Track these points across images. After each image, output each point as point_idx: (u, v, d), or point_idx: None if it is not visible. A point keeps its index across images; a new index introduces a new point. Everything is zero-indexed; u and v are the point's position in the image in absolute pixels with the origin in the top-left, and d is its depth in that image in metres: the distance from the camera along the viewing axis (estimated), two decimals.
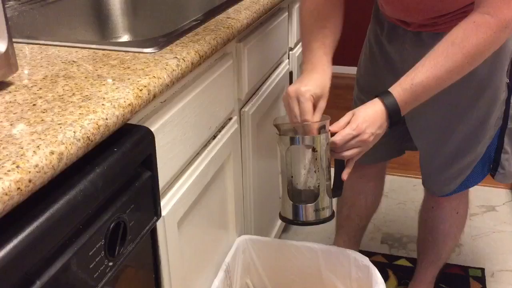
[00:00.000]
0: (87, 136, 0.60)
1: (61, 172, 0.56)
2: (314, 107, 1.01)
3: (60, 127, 0.59)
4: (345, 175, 1.01)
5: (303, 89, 0.99)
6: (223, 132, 1.11)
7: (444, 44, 0.93)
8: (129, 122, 0.72)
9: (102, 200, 0.63)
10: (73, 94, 0.69)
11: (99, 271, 0.63)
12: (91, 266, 0.61)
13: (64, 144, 0.57)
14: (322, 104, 1.02)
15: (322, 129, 0.98)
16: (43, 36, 1.00)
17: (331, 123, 1.00)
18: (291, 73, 1.60)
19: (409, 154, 1.48)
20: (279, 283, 1.30)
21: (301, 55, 1.61)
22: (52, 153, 0.55)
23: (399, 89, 0.96)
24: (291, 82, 1.62)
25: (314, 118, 1.00)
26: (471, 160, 1.25)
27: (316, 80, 1.02)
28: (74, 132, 0.59)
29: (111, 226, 0.65)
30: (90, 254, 0.61)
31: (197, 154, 1.00)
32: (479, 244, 1.86)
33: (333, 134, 0.97)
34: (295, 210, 1.02)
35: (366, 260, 1.19)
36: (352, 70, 3.15)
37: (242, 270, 1.25)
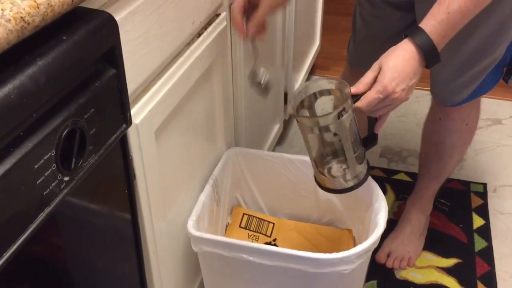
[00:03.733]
0: (21, 17, 0.46)
1: None
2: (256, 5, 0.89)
3: None
4: (378, 128, 0.92)
5: None
6: (209, 29, 0.96)
7: None
8: (84, 5, 0.57)
9: (48, 102, 0.50)
10: None
11: (51, 187, 0.52)
12: (38, 181, 0.50)
13: None
14: (258, 14, 0.91)
15: (342, 111, 0.84)
16: None
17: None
18: None
19: None
20: (271, 198, 1.22)
21: None
22: None
23: (434, 23, 0.81)
24: None
25: (254, 15, 0.90)
26: (488, 64, 1.12)
27: None
28: (1, 10, 0.45)
29: (63, 134, 0.52)
30: (35, 167, 0.49)
31: (178, 53, 0.86)
32: (482, 158, 1.78)
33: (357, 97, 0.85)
34: (327, 180, 0.95)
35: None
36: None
37: (231, 184, 1.16)
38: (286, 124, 1.87)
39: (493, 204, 1.58)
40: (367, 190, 1.07)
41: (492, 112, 1.97)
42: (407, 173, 1.69)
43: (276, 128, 1.61)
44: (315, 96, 0.93)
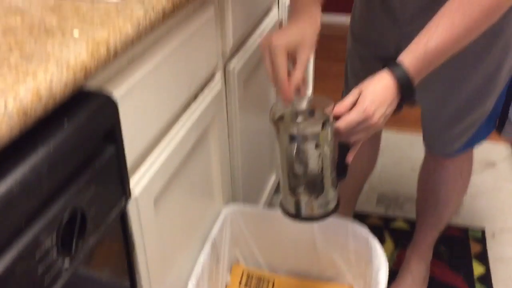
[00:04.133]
0: (23, 110, 0.46)
1: None
2: (295, 61, 0.88)
3: None
4: (350, 157, 0.90)
5: (275, 41, 0.86)
6: (205, 92, 0.98)
7: (458, 0, 0.80)
8: (85, 88, 0.58)
9: (49, 190, 0.50)
10: (11, 52, 0.55)
11: (53, 272, 0.51)
12: (40, 270, 0.49)
13: None
14: (303, 56, 0.88)
15: (325, 122, 0.84)
16: None
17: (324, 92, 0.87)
18: (281, 23, 1.45)
19: (404, 108, 1.37)
20: (270, 255, 1.21)
21: None
22: None
23: (411, 58, 0.83)
24: None
25: (294, 75, 0.88)
26: (479, 116, 1.14)
27: (295, 30, 0.88)
28: (5, 104, 0.45)
29: (64, 218, 0.52)
30: (37, 256, 0.49)
31: (175, 119, 0.87)
32: (478, 202, 1.78)
33: (337, 118, 0.85)
34: (297, 206, 0.91)
35: (364, 230, 1.09)
36: (343, 19, 2.98)
37: (231, 242, 1.15)
38: None
39: (493, 250, 1.58)
40: (366, 246, 1.07)
41: (486, 154, 1.99)
42: (405, 220, 1.69)
43: (273, 178, 1.61)
44: (295, 114, 0.92)
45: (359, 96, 0.85)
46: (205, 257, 1.02)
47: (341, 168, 0.92)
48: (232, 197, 1.21)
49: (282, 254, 1.20)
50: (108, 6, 0.70)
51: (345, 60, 1.31)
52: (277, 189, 1.78)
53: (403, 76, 0.83)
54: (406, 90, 0.84)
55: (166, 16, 0.72)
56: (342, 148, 0.91)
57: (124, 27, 0.63)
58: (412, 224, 1.56)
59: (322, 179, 0.88)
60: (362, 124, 0.84)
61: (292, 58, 0.89)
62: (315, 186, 0.89)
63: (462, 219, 1.69)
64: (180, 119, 0.88)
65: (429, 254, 1.44)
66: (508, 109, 1.17)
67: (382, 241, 1.60)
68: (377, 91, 0.84)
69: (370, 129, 0.86)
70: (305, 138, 0.86)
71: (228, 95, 1.09)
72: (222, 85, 1.04)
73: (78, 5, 0.69)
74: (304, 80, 0.93)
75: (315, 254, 1.17)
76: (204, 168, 1.04)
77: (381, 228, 1.65)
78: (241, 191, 1.25)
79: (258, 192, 1.46)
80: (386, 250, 1.55)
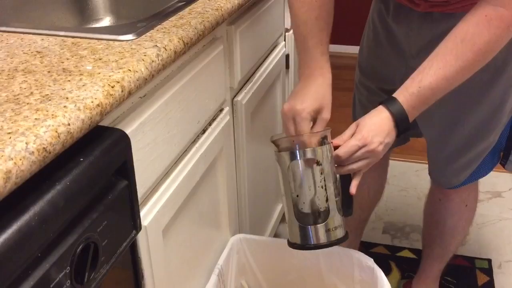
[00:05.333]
0: (44, 148, 0.50)
1: (10, 193, 0.46)
2: (314, 121, 0.93)
3: (10, 138, 0.49)
4: (353, 188, 0.91)
5: (299, 107, 0.91)
6: (213, 125, 1.01)
7: (453, 41, 0.84)
8: (100, 124, 0.62)
9: (65, 222, 0.53)
10: (31, 93, 0.58)
11: None
12: None
13: (13, 159, 0.47)
14: (325, 116, 0.94)
15: (324, 140, 0.89)
16: (9, 21, 0.89)
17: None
18: (287, 56, 1.49)
19: (411, 139, 1.39)
20: (276, 284, 1.22)
21: None
22: None
23: (406, 94, 0.87)
24: (287, 66, 1.51)
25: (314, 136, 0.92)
26: (483, 150, 1.16)
27: (314, 93, 0.93)
28: (26, 143, 0.49)
29: (78, 250, 0.55)
30: (52, 286, 0.51)
31: (184, 152, 0.90)
32: (485, 233, 1.78)
33: (337, 148, 0.89)
34: (303, 233, 0.91)
35: (370, 261, 1.10)
36: (351, 49, 3.04)
37: (237, 271, 1.16)
38: None
39: (499, 281, 1.57)
40: (371, 276, 1.08)
41: (491, 184, 2.00)
42: (411, 249, 1.69)
43: (279, 208, 1.63)
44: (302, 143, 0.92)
45: (356, 128, 0.89)
46: (212, 286, 1.04)
47: (346, 202, 0.93)
48: (239, 227, 1.23)
49: (288, 284, 1.21)
50: (122, 44, 0.74)
51: (353, 91, 1.34)
52: (282, 219, 1.79)
53: (398, 110, 0.87)
54: (402, 124, 0.88)
55: (177, 55, 0.76)
56: (345, 180, 0.92)
57: (137, 67, 0.66)
58: (418, 253, 1.56)
59: (326, 201, 0.89)
60: (361, 150, 0.87)
61: (312, 119, 0.93)
62: (320, 209, 0.89)
63: (468, 249, 1.70)
64: (189, 151, 0.91)
65: (435, 285, 1.44)
66: None
67: (388, 270, 1.60)
68: (373, 122, 0.88)
69: (370, 157, 0.88)
70: (304, 154, 0.88)
71: (236, 127, 1.12)
72: (230, 117, 1.07)
73: (94, 45, 0.73)
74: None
75: (320, 284, 1.18)
76: (212, 199, 1.06)
77: (387, 257, 1.65)
78: (247, 221, 1.27)
79: (264, 222, 1.48)
80: (392, 280, 1.56)
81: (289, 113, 0.92)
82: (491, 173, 2.01)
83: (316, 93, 0.93)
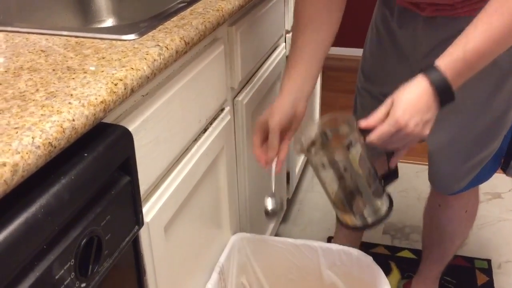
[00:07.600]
0: (49, 142, 0.51)
1: (16, 186, 0.48)
2: (284, 134, 0.96)
3: (16, 132, 0.50)
4: (393, 163, 0.90)
5: (270, 122, 0.93)
6: (214, 124, 1.02)
7: (495, 2, 0.79)
8: (103, 120, 0.63)
9: (69, 215, 0.54)
10: (37, 90, 0.60)
11: None
12: None
13: (19, 153, 0.48)
14: (294, 126, 0.96)
15: (350, 144, 0.87)
16: (14, 22, 0.90)
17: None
18: (287, 57, 1.50)
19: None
20: (276, 283, 1.23)
21: None
22: (4, 164, 0.46)
23: (449, 60, 0.80)
24: None
25: (281, 151, 0.96)
26: (486, 156, 1.14)
27: (286, 103, 0.94)
28: (32, 138, 0.50)
29: (82, 243, 0.56)
30: (56, 277, 0.53)
31: (186, 150, 0.91)
32: (484, 233, 1.79)
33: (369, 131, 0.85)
34: (347, 219, 0.95)
35: (369, 259, 1.11)
36: (351, 52, 3.05)
37: (237, 270, 1.18)
38: (290, 203, 1.90)
39: (499, 281, 1.58)
40: (371, 275, 1.09)
41: (491, 186, 2.01)
42: (411, 250, 1.70)
43: None
44: (326, 135, 0.94)
45: (391, 106, 0.83)
46: (213, 284, 1.05)
47: (389, 173, 0.94)
48: (240, 226, 1.25)
49: (288, 282, 1.22)
50: (125, 44, 0.75)
51: (354, 94, 1.34)
52: (283, 219, 1.81)
53: (440, 79, 0.80)
54: (445, 94, 0.81)
55: (179, 54, 0.77)
56: (388, 153, 0.91)
57: (140, 65, 0.68)
58: (418, 253, 1.57)
59: (361, 195, 0.91)
60: (396, 135, 0.82)
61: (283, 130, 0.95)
62: (360, 201, 0.92)
63: (468, 249, 1.70)
64: (190, 149, 0.92)
65: (435, 285, 1.45)
66: None
67: (388, 270, 1.61)
68: (409, 100, 0.81)
69: (409, 138, 0.83)
70: (332, 164, 0.88)
71: (237, 127, 1.14)
72: (231, 117, 1.09)
73: (97, 44, 0.75)
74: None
75: (320, 283, 1.19)
76: (213, 197, 1.08)
77: (387, 257, 1.66)
78: (248, 220, 1.28)
79: (265, 221, 1.49)
80: (392, 280, 1.57)
81: (260, 124, 0.95)
82: None
83: (288, 104, 0.94)
